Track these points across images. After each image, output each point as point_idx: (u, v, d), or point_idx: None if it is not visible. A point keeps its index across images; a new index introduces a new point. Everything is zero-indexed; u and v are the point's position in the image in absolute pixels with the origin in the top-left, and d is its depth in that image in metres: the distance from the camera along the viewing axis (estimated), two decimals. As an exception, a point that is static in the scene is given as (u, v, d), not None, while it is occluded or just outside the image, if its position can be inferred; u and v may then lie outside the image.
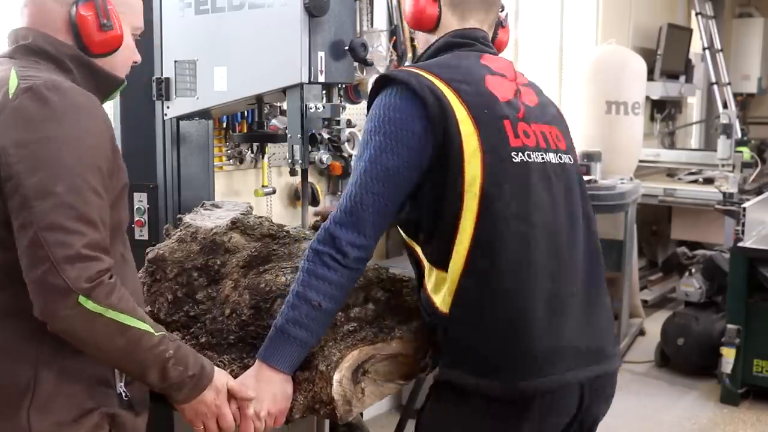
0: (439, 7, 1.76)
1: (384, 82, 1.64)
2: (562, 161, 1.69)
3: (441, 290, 1.60)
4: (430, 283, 1.64)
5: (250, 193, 3.20)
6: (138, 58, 1.60)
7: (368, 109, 1.67)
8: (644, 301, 5.50)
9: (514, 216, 1.56)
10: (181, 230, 2.05)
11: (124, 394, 1.48)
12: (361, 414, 2.32)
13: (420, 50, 1.87)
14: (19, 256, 1.30)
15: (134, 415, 1.50)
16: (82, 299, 1.28)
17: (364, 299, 1.79)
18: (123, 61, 1.54)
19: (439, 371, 1.63)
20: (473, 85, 1.63)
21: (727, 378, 4.05)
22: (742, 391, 4.07)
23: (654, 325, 5.02)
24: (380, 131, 1.58)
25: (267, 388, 1.57)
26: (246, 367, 1.68)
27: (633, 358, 4.73)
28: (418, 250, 1.68)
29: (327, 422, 2.02)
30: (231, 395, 1.55)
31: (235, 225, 2.00)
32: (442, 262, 1.58)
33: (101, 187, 1.35)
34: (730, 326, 4.01)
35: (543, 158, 1.65)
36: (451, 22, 1.77)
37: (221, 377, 1.53)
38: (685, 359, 4.45)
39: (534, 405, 1.55)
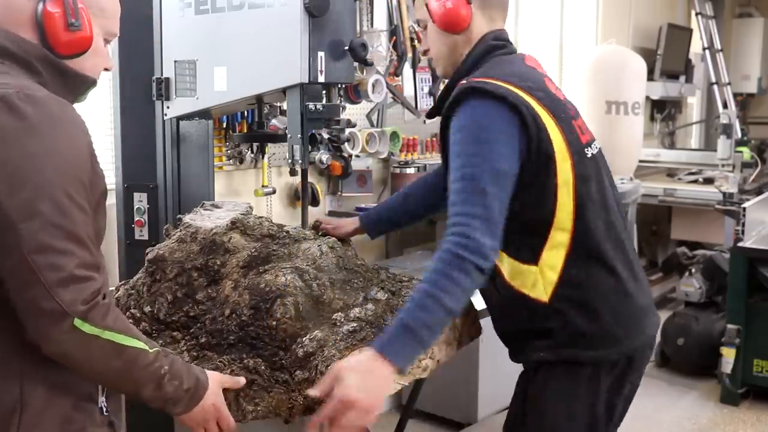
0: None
1: (475, 93, 1.66)
2: (599, 147, 1.86)
3: (536, 283, 1.71)
4: (516, 280, 1.73)
5: (250, 193, 3.20)
6: (110, 65, 1.52)
7: (447, 113, 1.70)
8: (644, 301, 5.48)
9: (599, 206, 1.74)
10: (181, 230, 2.05)
11: (104, 409, 1.45)
12: (361, 414, 2.31)
13: (436, 53, 1.87)
14: (5, 279, 1.25)
15: None
16: (77, 322, 1.24)
17: (364, 300, 1.79)
18: (92, 65, 1.45)
19: (546, 353, 1.74)
20: (544, 91, 1.73)
21: (727, 378, 4.05)
22: (742, 391, 4.06)
23: (654, 325, 5.01)
24: (490, 139, 1.62)
25: (370, 378, 1.46)
26: (246, 368, 1.68)
27: (633, 358, 4.72)
28: None
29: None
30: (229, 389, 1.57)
31: (234, 225, 1.99)
32: (531, 259, 1.70)
33: (85, 202, 1.30)
34: (730, 326, 4.01)
35: (597, 148, 1.83)
36: (481, 24, 1.81)
37: (215, 381, 1.53)
38: (685, 359, 4.45)
39: (636, 359, 1.79)
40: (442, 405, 3.70)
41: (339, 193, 3.59)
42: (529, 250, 1.70)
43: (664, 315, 4.88)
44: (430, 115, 1.83)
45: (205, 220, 2.09)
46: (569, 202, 1.68)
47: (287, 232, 2.04)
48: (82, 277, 1.25)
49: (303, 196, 2.49)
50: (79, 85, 1.44)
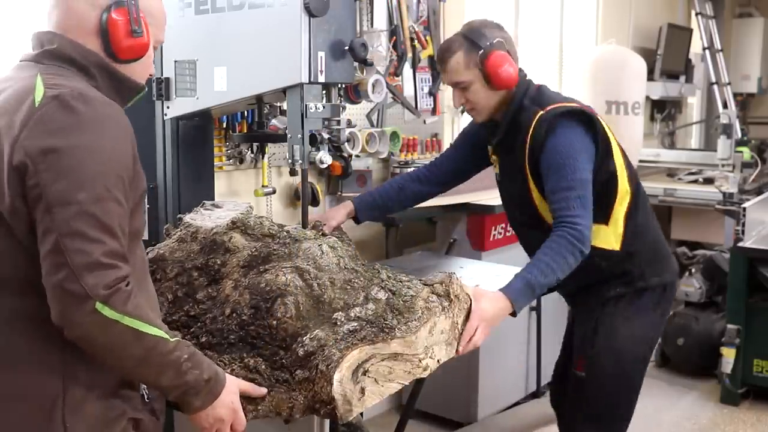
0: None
1: (565, 116, 2.19)
2: None
3: (607, 236, 2.30)
4: (594, 240, 2.21)
5: (250, 193, 3.20)
6: (153, 70, 1.63)
7: (549, 132, 2.17)
8: (644, 301, 5.47)
9: (638, 185, 2.39)
10: (181, 230, 2.06)
11: (146, 396, 1.51)
12: (361, 414, 2.32)
13: (484, 106, 2.28)
14: (41, 262, 1.32)
15: (155, 420, 1.53)
16: (99, 306, 1.29)
17: (364, 299, 1.79)
18: (143, 70, 1.57)
19: (622, 288, 2.35)
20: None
21: (727, 378, 4.05)
22: (742, 391, 4.07)
23: (654, 325, 5.00)
24: (582, 155, 2.17)
25: (498, 312, 1.98)
26: (246, 367, 1.68)
27: (633, 358, 4.72)
28: None
29: (327, 422, 2.02)
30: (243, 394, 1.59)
31: (235, 225, 2.00)
32: (603, 220, 2.28)
33: (122, 196, 1.37)
34: (730, 326, 4.01)
35: None
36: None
37: (233, 382, 1.56)
38: (685, 359, 4.45)
39: (673, 285, 2.48)
40: (442, 405, 3.70)
41: (339, 193, 3.59)
42: (601, 214, 2.24)
43: (664, 315, 4.89)
44: (497, 141, 2.33)
45: (205, 219, 2.09)
46: (624, 175, 2.30)
47: (287, 231, 2.04)
48: (107, 264, 1.31)
49: (303, 196, 2.49)
50: (130, 90, 1.56)
